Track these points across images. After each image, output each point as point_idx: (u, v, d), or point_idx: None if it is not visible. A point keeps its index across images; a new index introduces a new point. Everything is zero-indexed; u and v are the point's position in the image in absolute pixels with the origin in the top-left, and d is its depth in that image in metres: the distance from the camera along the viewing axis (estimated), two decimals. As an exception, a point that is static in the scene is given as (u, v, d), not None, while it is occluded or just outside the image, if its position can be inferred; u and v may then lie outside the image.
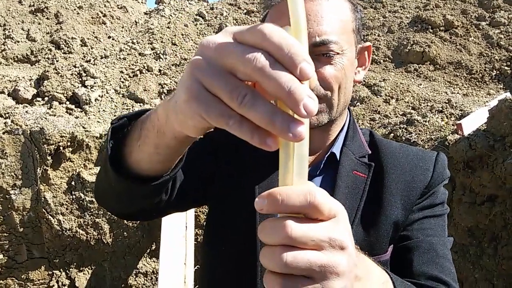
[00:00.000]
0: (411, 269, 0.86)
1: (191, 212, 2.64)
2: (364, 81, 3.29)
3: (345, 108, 0.94)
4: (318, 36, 0.84)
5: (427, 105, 2.97)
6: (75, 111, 2.92)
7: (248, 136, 0.38)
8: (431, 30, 3.93)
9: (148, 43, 3.72)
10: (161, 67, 3.40)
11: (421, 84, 3.27)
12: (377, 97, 3.13)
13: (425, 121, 2.69)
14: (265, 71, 0.36)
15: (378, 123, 2.89)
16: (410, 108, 3.02)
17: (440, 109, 2.86)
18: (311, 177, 0.91)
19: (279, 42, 0.36)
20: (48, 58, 3.52)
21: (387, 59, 3.58)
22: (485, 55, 3.65)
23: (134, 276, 2.81)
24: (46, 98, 3.02)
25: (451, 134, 2.45)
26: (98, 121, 2.84)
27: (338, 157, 0.94)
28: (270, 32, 0.37)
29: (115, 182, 0.66)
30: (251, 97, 0.36)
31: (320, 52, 0.85)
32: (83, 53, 3.60)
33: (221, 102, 0.38)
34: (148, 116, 0.59)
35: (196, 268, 2.44)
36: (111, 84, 3.20)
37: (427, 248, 0.87)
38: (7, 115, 2.78)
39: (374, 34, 3.99)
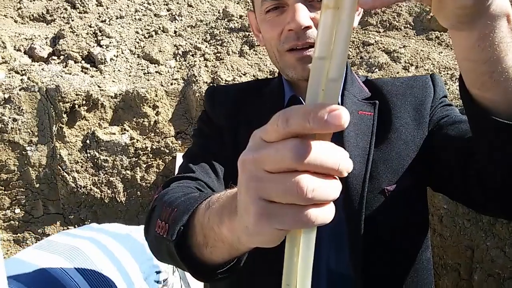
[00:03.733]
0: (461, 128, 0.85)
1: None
2: (384, 47, 3.21)
3: None
4: None
5: (447, 73, 2.89)
6: (90, 70, 2.91)
7: (325, 222, 0.38)
8: (455, -3, 3.78)
9: (164, 4, 3.66)
10: (176, 28, 3.36)
11: (442, 52, 3.18)
12: (396, 64, 3.06)
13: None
14: (301, 161, 0.35)
15: (395, 90, 2.84)
16: (430, 76, 2.95)
17: (461, 77, 2.78)
18: None
19: (298, 122, 0.36)
20: (63, 17, 3.50)
21: (408, 25, 3.48)
22: (510, 24, 3.52)
23: (147, 235, 2.87)
24: (61, 57, 3.02)
25: (470, 103, 2.39)
26: (113, 81, 2.83)
27: (340, 102, 0.95)
28: (287, 117, 0.36)
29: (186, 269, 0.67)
30: (310, 186, 0.35)
31: None
32: (99, 13, 3.57)
33: (289, 207, 0.37)
34: (210, 227, 0.57)
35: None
36: (126, 45, 3.18)
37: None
38: (23, 72, 2.79)
39: None
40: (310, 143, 0.36)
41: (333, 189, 0.37)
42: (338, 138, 0.89)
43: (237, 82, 2.83)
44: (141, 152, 2.73)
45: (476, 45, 0.50)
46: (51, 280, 0.99)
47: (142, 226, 1.50)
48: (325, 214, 0.37)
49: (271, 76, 2.92)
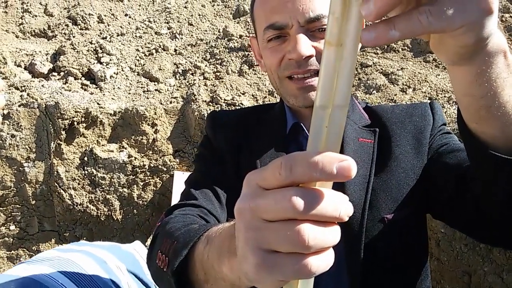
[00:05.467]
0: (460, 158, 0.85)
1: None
2: (382, 69, 3.23)
3: None
4: (311, 12, 0.86)
5: (445, 96, 2.92)
6: (90, 87, 2.92)
7: (325, 270, 0.38)
8: (452, 20, 3.83)
9: (165, 22, 3.70)
10: (177, 47, 3.38)
11: (439, 75, 3.21)
12: (394, 86, 3.08)
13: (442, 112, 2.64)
14: (302, 212, 0.35)
15: (393, 112, 2.85)
16: (427, 98, 2.97)
17: (458, 100, 2.80)
18: None
19: (303, 171, 0.35)
20: (64, 34, 3.53)
21: (406, 48, 3.51)
22: (507, 47, 3.56)
23: (143, 254, 2.84)
24: (61, 73, 3.03)
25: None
26: (112, 98, 2.84)
27: None
28: (291, 166, 0.35)
29: None
30: (311, 235, 0.35)
31: (315, 28, 0.88)
32: (100, 30, 3.60)
33: (288, 256, 0.36)
34: (210, 265, 0.56)
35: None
36: (126, 62, 3.20)
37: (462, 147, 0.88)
38: (23, 88, 2.80)
39: (394, 22, 3.91)
40: (310, 193, 0.35)
41: (333, 235, 0.37)
42: None
43: (236, 101, 2.84)
44: (139, 170, 2.72)
45: (474, 80, 0.50)
46: (31, 282, 0.96)
47: (131, 243, 1.49)
48: (325, 262, 0.37)
49: (269, 96, 2.94)
